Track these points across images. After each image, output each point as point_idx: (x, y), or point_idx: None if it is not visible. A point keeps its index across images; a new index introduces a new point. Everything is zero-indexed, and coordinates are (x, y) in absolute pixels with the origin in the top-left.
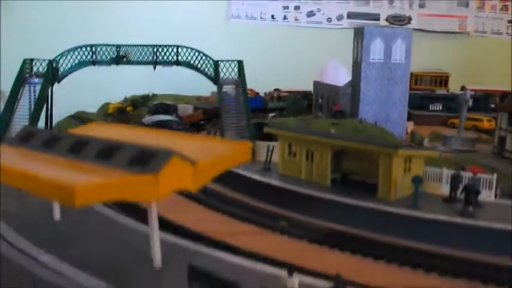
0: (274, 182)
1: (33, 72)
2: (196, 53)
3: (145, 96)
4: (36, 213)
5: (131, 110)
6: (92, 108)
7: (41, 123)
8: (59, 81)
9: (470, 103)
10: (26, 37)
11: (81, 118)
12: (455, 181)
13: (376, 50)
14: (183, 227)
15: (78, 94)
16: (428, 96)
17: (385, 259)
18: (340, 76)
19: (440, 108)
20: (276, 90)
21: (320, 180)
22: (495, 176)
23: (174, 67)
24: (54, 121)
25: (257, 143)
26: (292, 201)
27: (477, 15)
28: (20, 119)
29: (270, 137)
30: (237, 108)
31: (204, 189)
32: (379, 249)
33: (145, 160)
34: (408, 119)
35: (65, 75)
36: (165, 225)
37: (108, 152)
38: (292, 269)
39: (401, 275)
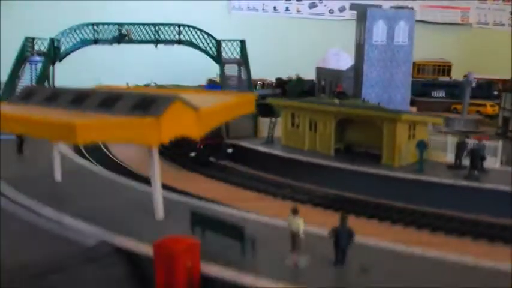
0: (277, 152)
1: (34, 51)
2: (199, 32)
3: (147, 85)
4: (37, 176)
5: None
6: None
7: None
8: (60, 60)
9: (474, 84)
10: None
11: None
12: (460, 148)
13: (378, 32)
14: (187, 192)
15: (79, 82)
16: (431, 83)
17: (390, 220)
18: (343, 62)
19: (443, 95)
20: (278, 79)
21: (323, 150)
22: (500, 143)
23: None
24: None
25: (259, 119)
26: (297, 170)
27: (479, 7)
28: None
29: (272, 114)
30: (240, 89)
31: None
32: (384, 211)
33: (147, 105)
34: (411, 105)
35: (66, 54)
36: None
37: (110, 102)
38: (296, 210)
39: (406, 233)
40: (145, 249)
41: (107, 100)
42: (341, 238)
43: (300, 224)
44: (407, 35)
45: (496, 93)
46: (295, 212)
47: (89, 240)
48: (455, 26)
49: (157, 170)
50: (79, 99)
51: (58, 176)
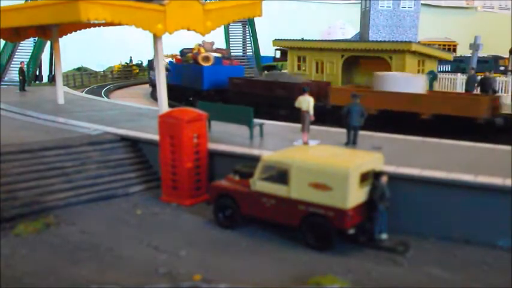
0: None
1: None
2: None
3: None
4: (40, 101)
5: (137, 70)
6: None
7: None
8: None
9: (481, 48)
10: None
11: (86, 71)
12: (470, 82)
13: None
14: None
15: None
16: None
17: None
18: (348, 35)
19: (449, 69)
20: None
21: None
22: (510, 78)
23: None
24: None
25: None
26: None
27: None
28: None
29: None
30: (244, 52)
31: None
32: None
33: None
34: None
35: None
36: None
37: None
38: (305, 90)
39: None
40: (146, 136)
41: None
42: (353, 116)
43: (310, 102)
44: (413, 0)
45: (502, 68)
46: (305, 91)
47: (93, 132)
48: (460, 9)
49: (161, 63)
50: None
51: (61, 100)
